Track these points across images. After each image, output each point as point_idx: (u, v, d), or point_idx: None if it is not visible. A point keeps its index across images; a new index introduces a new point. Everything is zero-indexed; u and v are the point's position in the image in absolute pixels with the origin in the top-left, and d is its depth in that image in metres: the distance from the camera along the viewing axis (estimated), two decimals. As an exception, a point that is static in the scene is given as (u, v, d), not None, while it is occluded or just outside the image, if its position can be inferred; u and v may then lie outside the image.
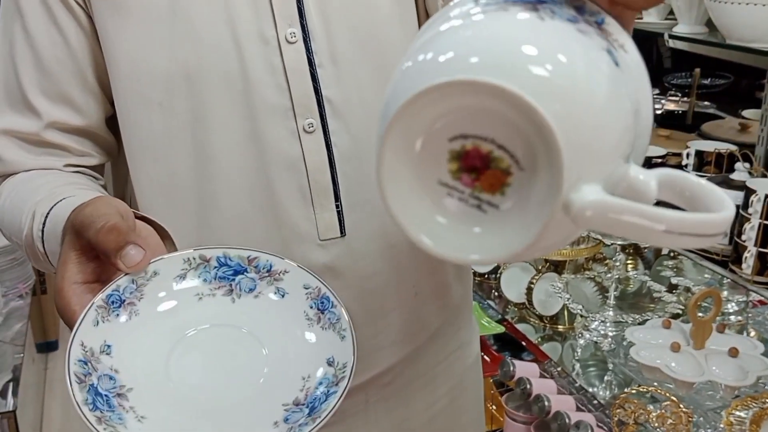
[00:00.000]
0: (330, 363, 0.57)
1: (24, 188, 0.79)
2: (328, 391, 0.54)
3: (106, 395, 0.52)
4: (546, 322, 1.68)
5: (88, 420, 0.49)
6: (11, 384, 1.90)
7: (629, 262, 1.69)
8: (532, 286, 1.66)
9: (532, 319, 1.70)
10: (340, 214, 0.80)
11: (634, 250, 1.72)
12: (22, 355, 2.02)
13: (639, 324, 1.43)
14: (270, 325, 0.60)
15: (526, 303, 1.69)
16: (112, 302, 0.57)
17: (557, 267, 1.67)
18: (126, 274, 0.59)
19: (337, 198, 0.80)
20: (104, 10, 0.76)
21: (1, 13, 0.80)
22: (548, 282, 1.64)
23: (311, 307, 0.61)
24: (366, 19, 0.79)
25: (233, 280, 0.62)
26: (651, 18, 1.59)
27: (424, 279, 0.89)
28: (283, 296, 0.61)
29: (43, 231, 0.71)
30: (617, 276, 1.52)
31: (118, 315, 0.57)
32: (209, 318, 0.60)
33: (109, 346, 0.55)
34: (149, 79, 0.76)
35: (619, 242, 1.47)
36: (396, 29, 0.81)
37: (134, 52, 0.75)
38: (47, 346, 2.89)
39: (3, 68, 0.80)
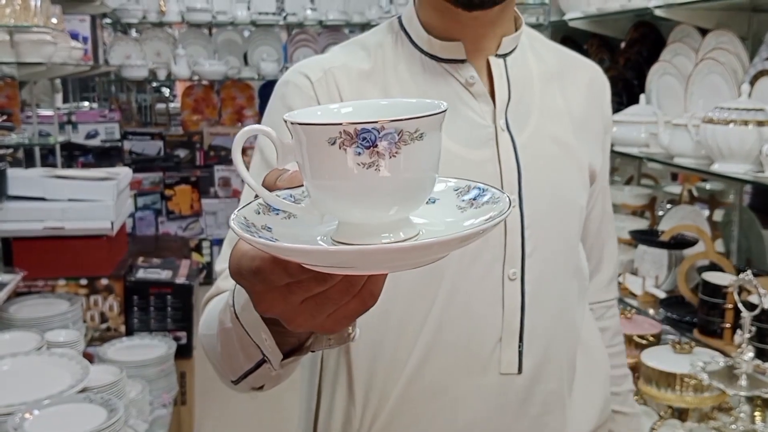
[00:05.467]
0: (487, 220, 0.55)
1: None
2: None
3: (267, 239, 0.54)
4: (668, 469, 1.65)
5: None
6: (151, 489, 2.05)
7: (757, 413, 1.66)
8: (654, 431, 1.66)
9: (654, 466, 1.68)
10: (521, 354, 0.94)
11: (762, 402, 1.68)
12: (162, 462, 2.16)
13: (765, 478, 1.40)
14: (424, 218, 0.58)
15: (648, 448, 1.68)
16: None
17: (681, 414, 1.67)
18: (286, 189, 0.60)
19: (521, 339, 0.94)
20: None
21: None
22: (671, 429, 1.63)
23: (463, 201, 0.59)
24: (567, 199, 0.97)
25: None
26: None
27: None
28: (433, 202, 0.59)
29: (236, 287, 0.73)
30: (742, 428, 1.50)
31: (277, 213, 0.59)
32: None
33: (269, 228, 0.57)
34: None
35: (743, 393, 1.46)
36: (582, 199, 0.99)
37: None
38: (182, 455, 3.03)
39: None
